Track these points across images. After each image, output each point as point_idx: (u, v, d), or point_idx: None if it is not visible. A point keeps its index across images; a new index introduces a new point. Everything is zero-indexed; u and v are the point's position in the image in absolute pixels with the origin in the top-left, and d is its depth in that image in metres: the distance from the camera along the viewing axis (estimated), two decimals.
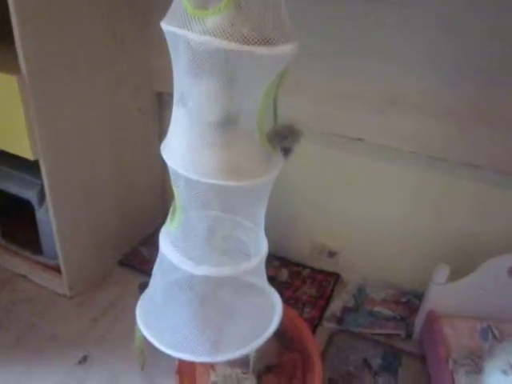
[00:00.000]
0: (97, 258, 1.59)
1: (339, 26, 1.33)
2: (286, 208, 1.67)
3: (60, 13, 1.18)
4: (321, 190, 1.62)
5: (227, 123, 0.81)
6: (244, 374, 1.16)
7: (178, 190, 0.90)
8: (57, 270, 1.49)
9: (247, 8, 0.72)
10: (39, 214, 1.44)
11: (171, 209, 1.00)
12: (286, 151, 0.93)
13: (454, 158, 1.33)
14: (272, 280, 1.22)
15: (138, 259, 1.69)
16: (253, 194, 0.94)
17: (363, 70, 1.34)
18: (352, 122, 1.39)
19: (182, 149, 0.85)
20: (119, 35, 1.40)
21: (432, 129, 1.32)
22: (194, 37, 0.72)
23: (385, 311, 1.56)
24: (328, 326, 1.51)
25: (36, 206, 1.44)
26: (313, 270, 1.73)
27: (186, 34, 0.73)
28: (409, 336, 1.48)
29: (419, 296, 1.56)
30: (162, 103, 1.67)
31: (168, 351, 0.99)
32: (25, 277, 1.59)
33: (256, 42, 0.72)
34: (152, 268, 1.09)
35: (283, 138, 0.89)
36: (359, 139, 1.41)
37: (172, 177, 0.90)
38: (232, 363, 1.15)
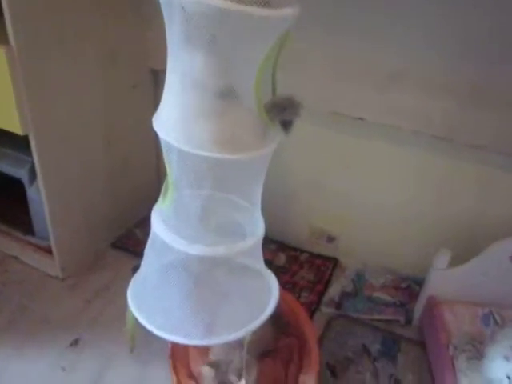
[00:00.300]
0: (90, 240, 1.55)
1: (339, 2, 1.28)
2: (283, 191, 1.63)
3: None
4: (320, 173, 1.58)
5: (222, 92, 0.77)
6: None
7: (170, 165, 0.86)
8: (48, 251, 1.45)
9: None
10: (30, 193, 1.40)
11: (163, 186, 0.96)
12: (286, 125, 0.89)
13: (457, 137, 1.29)
14: (269, 264, 1.18)
15: (132, 241, 1.65)
16: (249, 170, 0.89)
17: (364, 46, 1.29)
18: (352, 101, 1.35)
19: (175, 119, 0.80)
20: (113, 10, 1.35)
21: (435, 107, 1.28)
22: None
23: (384, 297, 1.53)
24: (326, 311, 1.48)
25: (27, 185, 1.40)
26: (311, 254, 1.70)
27: None
28: (408, 322, 1.45)
29: (419, 282, 1.53)
30: (157, 81, 1.62)
31: (160, 334, 0.96)
32: (16, 258, 1.55)
33: (255, 3, 0.68)
34: None
35: (282, 110, 0.85)
36: (360, 118, 1.36)
37: (164, 150, 0.86)
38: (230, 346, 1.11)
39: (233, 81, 0.77)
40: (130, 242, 1.66)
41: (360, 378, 1.27)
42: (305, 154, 1.56)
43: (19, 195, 1.46)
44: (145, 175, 1.71)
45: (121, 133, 1.54)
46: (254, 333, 1.10)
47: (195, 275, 1.06)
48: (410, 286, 1.57)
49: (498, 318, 1.31)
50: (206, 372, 1.05)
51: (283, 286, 1.47)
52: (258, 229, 1.00)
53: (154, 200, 1.01)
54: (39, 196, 1.34)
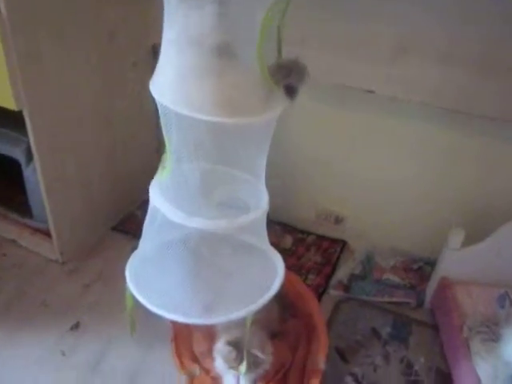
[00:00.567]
0: (90, 223, 1.51)
1: None
2: (289, 170, 1.58)
3: None
4: (326, 150, 1.52)
5: (220, 49, 0.71)
6: None
7: (169, 133, 0.81)
8: (47, 234, 1.42)
9: None
10: (27, 174, 1.36)
11: (162, 158, 0.91)
12: (291, 91, 0.83)
13: (468, 108, 1.23)
14: (274, 247, 1.13)
15: (134, 224, 1.60)
16: (251, 138, 0.84)
17: (374, 16, 1.23)
18: (362, 72, 1.29)
19: (171, 81, 0.75)
20: None
21: (446, 78, 1.22)
22: None
23: (394, 279, 1.47)
24: (334, 293, 1.43)
25: (23, 165, 1.35)
26: (318, 236, 1.64)
27: None
28: (420, 304, 1.40)
29: (431, 263, 1.48)
30: (158, 56, 1.56)
31: (159, 312, 0.91)
32: (14, 241, 1.51)
33: None
34: None
35: (287, 73, 0.79)
36: (369, 91, 1.30)
37: (161, 116, 0.80)
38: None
39: (231, 37, 0.72)
40: (131, 225, 1.61)
41: (370, 362, 1.22)
42: (311, 131, 1.50)
43: (17, 177, 1.42)
44: (146, 157, 1.65)
45: (121, 112, 1.49)
46: (258, 312, 1.06)
47: (197, 253, 1.01)
48: (421, 268, 1.51)
49: None
50: (226, 352, 1.00)
51: (289, 268, 1.42)
52: (262, 202, 0.95)
53: None
54: (36, 176, 1.29)
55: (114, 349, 1.23)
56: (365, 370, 1.19)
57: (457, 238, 1.27)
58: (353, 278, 1.48)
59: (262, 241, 1.09)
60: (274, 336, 1.17)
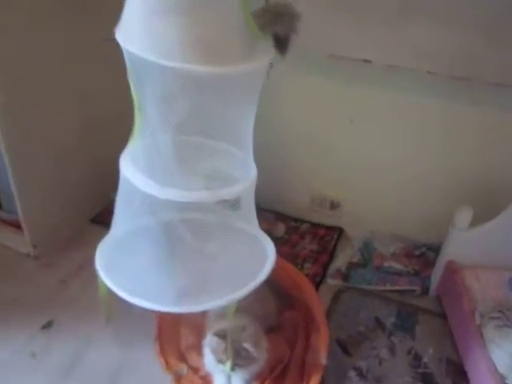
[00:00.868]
0: (65, 214, 1.39)
1: None
2: (280, 153, 1.47)
3: None
4: (320, 129, 1.41)
5: None
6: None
7: (137, 88, 0.70)
8: (17, 225, 1.30)
9: None
10: None
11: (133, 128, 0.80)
12: (281, 42, 0.72)
13: (477, 76, 1.14)
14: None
15: None
16: (232, 96, 0.72)
17: None
18: (358, 40, 1.20)
19: (137, 24, 0.64)
20: None
21: (454, 44, 1.13)
22: None
23: (396, 266, 1.37)
24: (333, 283, 1.33)
25: None
26: (313, 224, 1.54)
27: None
28: (425, 291, 1.30)
29: (434, 249, 1.38)
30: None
31: (130, 299, 0.80)
32: None
33: None
34: None
35: (274, 17, 0.68)
36: (366, 61, 1.20)
37: (129, 68, 0.69)
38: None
39: None
40: (111, 216, 1.49)
41: (375, 355, 1.11)
42: (303, 109, 1.39)
43: None
44: (126, 141, 1.52)
45: (95, 90, 1.36)
46: (252, 304, 0.95)
47: (178, 238, 0.90)
48: (424, 254, 1.41)
49: None
50: (215, 343, 0.89)
51: (283, 257, 1.31)
52: (250, 174, 0.83)
53: None
54: (3, 162, 1.18)
55: (93, 349, 1.11)
56: (369, 364, 1.09)
57: (464, 216, 1.17)
58: (351, 266, 1.38)
59: (251, 224, 0.99)
60: (270, 330, 1.06)
